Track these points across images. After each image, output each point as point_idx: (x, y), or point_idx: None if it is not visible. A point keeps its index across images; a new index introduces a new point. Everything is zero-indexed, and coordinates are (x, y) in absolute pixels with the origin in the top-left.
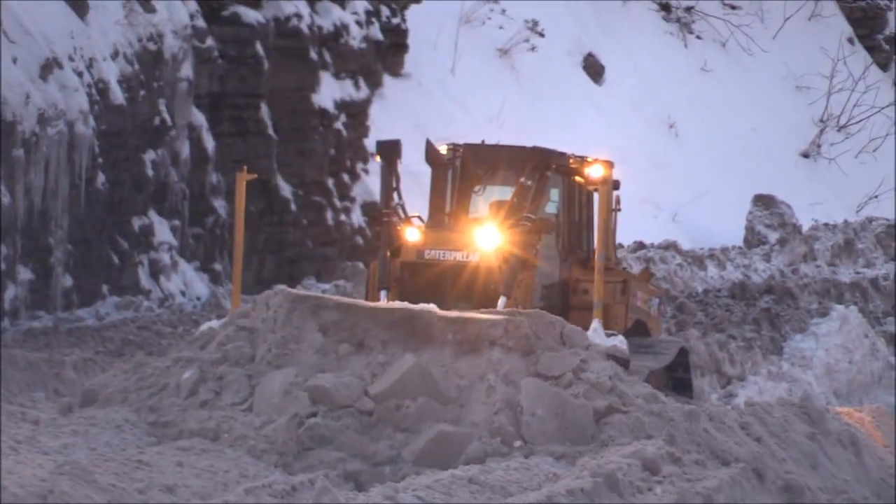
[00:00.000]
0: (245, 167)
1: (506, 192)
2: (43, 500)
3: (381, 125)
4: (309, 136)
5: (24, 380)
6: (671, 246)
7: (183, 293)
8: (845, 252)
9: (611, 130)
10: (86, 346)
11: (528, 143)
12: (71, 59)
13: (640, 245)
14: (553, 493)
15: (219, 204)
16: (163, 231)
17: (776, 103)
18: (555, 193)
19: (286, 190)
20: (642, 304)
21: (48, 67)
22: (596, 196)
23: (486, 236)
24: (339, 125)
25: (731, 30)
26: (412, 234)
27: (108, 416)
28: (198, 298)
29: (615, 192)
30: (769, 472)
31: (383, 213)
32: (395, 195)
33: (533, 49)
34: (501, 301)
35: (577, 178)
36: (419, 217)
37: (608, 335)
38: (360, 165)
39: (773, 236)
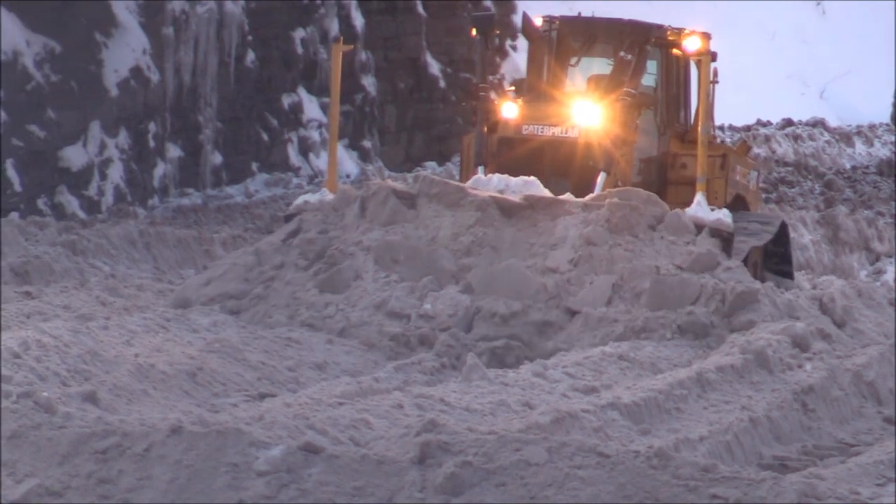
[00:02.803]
0: (341, 38)
1: (603, 66)
2: (192, 377)
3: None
4: (457, 13)
5: (174, 257)
6: (819, 123)
7: None
8: None
9: (757, 7)
10: (235, 223)
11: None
12: None
13: (788, 122)
14: (703, 370)
15: (368, 81)
16: (312, 108)
17: None
18: (652, 66)
19: (434, 67)
20: (741, 179)
21: None
22: (693, 69)
23: (586, 112)
24: (487, 1)
25: None
26: (509, 110)
27: None
28: (347, 175)
29: (713, 65)
30: None
31: (480, 88)
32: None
33: None
34: (601, 177)
35: (675, 51)
36: (515, 91)
37: (711, 210)
38: (508, 42)
39: None
